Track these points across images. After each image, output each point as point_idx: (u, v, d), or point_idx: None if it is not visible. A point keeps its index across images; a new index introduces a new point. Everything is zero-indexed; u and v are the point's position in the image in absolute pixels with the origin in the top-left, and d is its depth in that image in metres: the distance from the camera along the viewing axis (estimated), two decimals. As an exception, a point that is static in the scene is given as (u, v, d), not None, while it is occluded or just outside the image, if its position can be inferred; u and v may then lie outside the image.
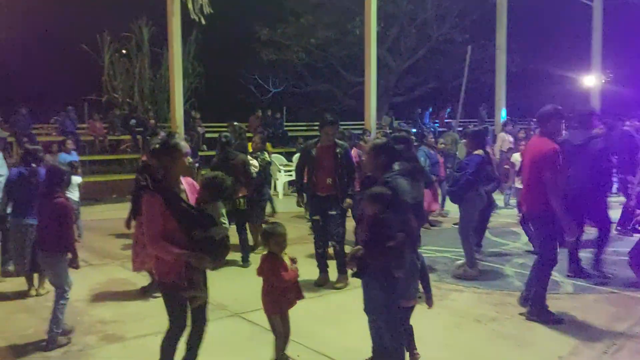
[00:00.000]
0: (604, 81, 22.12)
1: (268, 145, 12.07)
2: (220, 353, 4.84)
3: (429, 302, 4.29)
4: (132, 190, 6.73)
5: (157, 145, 3.63)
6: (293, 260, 4.33)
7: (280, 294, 4.24)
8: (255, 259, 7.81)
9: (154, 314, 5.72)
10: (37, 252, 5.36)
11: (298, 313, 4.51)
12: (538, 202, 5.32)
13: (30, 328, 5.40)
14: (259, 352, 4.65)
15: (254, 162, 8.77)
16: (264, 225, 4.31)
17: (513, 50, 19.70)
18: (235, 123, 10.33)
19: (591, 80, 20.44)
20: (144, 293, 6.41)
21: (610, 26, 19.50)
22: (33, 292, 6.38)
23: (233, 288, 6.62)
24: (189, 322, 3.87)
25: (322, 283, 6.67)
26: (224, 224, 3.75)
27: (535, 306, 5.43)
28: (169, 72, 18.32)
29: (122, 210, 11.93)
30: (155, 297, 6.29)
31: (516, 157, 10.25)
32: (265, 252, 4.32)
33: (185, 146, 3.70)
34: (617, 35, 21.07)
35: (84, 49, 18.26)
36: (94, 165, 16.25)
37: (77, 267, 5.14)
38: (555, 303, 5.67)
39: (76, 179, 9.25)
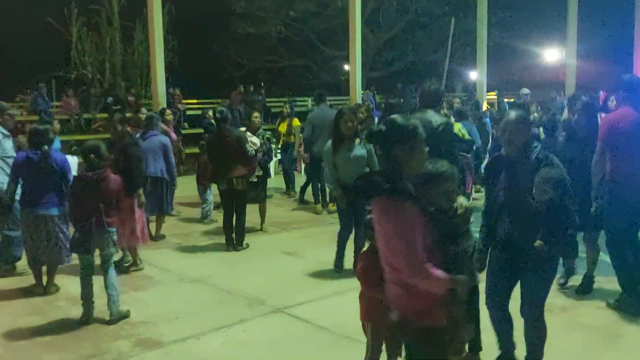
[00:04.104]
0: (564, 55, 22.02)
1: (295, 120, 11.16)
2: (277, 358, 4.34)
3: None
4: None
5: (384, 129, 2.51)
6: None
7: (381, 300, 3.15)
8: (259, 241, 7.41)
9: (185, 313, 5.17)
10: (98, 231, 4.89)
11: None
12: None
13: (46, 335, 4.74)
14: (320, 357, 4.16)
15: (254, 139, 8.21)
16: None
17: (490, 24, 19.36)
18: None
19: (565, 54, 20.28)
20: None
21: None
22: (40, 290, 5.65)
23: (258, 277, 6.07)
24: None
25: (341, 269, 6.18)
26: (468, 230, 3.04)
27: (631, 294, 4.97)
28: (142, 47, 17.39)
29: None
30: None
31: None
32: (366, 248, 3.63)
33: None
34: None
35: (50, 23, 16.98)
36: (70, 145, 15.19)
37: None
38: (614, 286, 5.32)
39: (74, 160, 8.56)
